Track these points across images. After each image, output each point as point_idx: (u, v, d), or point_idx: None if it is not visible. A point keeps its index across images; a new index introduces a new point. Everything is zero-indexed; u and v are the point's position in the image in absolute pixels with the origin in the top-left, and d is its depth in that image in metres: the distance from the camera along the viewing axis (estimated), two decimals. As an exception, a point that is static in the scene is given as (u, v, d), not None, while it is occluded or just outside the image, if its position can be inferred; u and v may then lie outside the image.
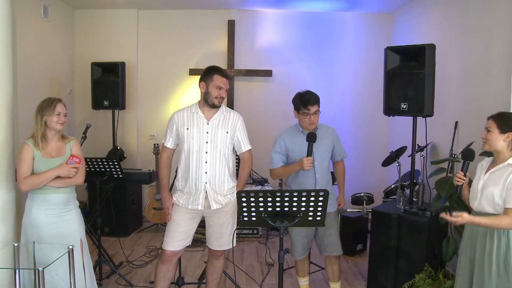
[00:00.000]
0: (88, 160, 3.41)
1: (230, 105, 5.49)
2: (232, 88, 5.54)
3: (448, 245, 3.30)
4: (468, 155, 2.44)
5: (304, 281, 3.24)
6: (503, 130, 2.25)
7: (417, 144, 3.72)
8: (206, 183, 2.78)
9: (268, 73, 5.60)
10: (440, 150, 4.18)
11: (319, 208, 2.22)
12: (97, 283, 3.11)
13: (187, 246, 2.91)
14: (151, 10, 5.59)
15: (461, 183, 2.39)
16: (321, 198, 2.18)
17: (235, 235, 2.81)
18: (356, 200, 4.61)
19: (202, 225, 3.00)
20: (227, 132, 2.82)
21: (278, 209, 2.20)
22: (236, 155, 3.00)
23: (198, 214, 2.86)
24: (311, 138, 2.84)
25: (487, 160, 2.42)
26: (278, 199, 2.17)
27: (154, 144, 5.10)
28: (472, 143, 3.34)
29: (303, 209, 2.21)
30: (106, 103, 4.94)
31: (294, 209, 2.20)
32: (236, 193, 2.23)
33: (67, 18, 5.39)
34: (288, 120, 5.58)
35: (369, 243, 3.94)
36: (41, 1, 4.70)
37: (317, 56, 5.66)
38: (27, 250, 2.57)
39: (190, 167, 2.79)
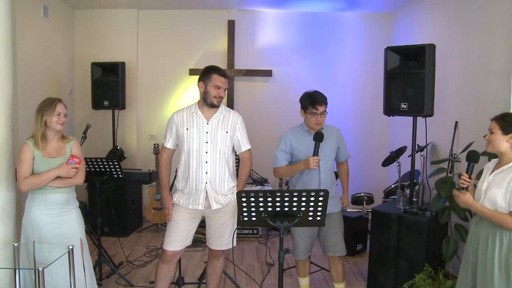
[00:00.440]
0: (88, 160, 3.41)
1: (230, 105, 5.49)
2: (232, 88, 5.55)
3: (448, 245, 3.30)
4: (472, 157, 2.40)
5: (304, 281, 3.24)
6: (506, 131, 2.25)
7: (417, 144, 3.72)
8: (206, 183, 2.78)
9: (268, 73, 5.60)
10: (440, 150, 4.18)
11: (319, 208, 2.22)
12: (97, 283, 3.11)
13: (187, 246, 2.91)
14: (151, 10, 5.59)
15: (466, 186, 2.35)
16: (321, 198, 2.18)
17: (235, 235, 2.81)
18: (356, 200, 4.61)
19: (202, 225, 3.00)
20: (226, 132, 2.82)
21: (278, 209, 2.20)
22: (236, 155, 3.00)
23: (199, 214, 2.86)
24: (319, 137, 2.84)
25: (493, 161, 2.40)
26: (278, 199, 2.16)
27: (154, 144, 5.10)
28: (472, 143, 3.34)
29: (303, 209, 2.21)
30: (106, 103, 4.94)
31: (294, 209, 2.20)
32: (236, 193, 2.23)
33: (67, 18, 5.39)
34: (288, 120, 5.60)
35: (369, 243, 3.94)
36: (41, 1, 4.70)
37: (317, 56, 5.66)
38: (27, 250, 2.57)
39: (190, 167, 2.79)
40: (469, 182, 2.36)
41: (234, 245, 2.86)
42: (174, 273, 2.95)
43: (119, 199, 4.84)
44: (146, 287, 3.60)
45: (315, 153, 2.82)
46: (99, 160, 3.48)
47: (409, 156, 3.77)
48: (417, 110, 3.39)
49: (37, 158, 2.60)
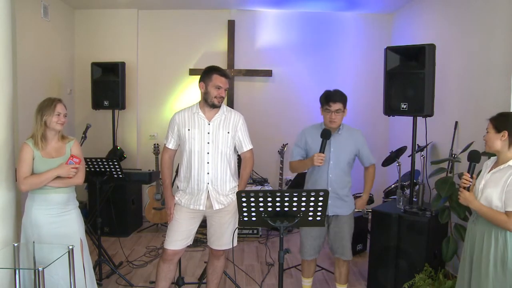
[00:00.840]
0: (88, 160, 3.41)
1: (230, 105, 5.49)
2: (232, 88, 5.55)
3: (448, 245, 3.30)
4: (474, 157, 2.40)
5: (307, 282, 3.23)
6: (498, 130, 2.27)
7: (417, 144, 3.72)
8: (208, 183, 2.78)
9: (268, 73, 5.60)
10: (440, 150, 4.18)
11: (319, 208, 2.22)
12: (97, 283, 3.11)
13: (188, 246, 2.91)
14: (151, 10, 5.59)
15: (468, 185, 2.36)
16: (321, 198, 2.17)
17: (236, 235, 2.81)
18: (356, 200, 4.61)
19: (202, 225, 3.00)
20: (228, 132, 2.82)
21: (278, 209, 2.20)
22: (238, 155, 3.00)
23: (200, 213, 2.86)
24: (325, 135, 2.84)
25: (492, 160, 2.41)
26: (278, 199, 2.16)
27: (154, 144, 5.10)
28: (472, 143, 3.34)
29: (303, 209, 2.21)
30: (106, 103, 4.94)
31: (294, 209, 2.20)
32: (236, 193, 2.23)
33: (67, 18, 5.39)
34: (288, 120, 5.64)
35: (369, 243, 3.94)
36: (41, 1, 4.70)
37: (317, 56, 5.66)
38: (27, 250, 2.57)
39: (192, 168, 2.79)
40: (471, 182, 2.36)
41: (235, 245, 2.86)
42: (174, 272, 2.95)
43: (119, 199, 4.84)
44: (146, 287, 3.60)
45: (321, 150, 2.82)
46: (99, 160, 3.48)
47: (409, 156, 3.77)
48: (417, 110, 3.39)
49: (37, 158, 2.60)
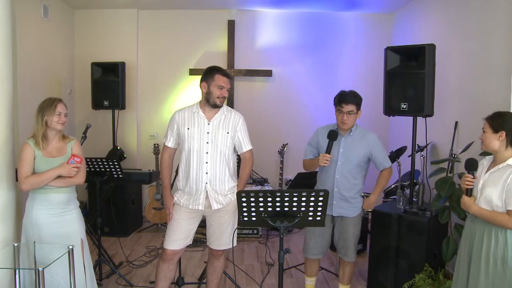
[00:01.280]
0: (88, 160, 3.41)
1: (230, 105, 5.49)
2: (232, 88, 5.53)
3: (448, 245, 3.30)
4: (470, 165, 2.37)
5: (310, 281, 3.24)
6: (495, 130, 2.27)
7: (417, 144, 3.72)
8: (206, 183, 2.78)
9: (268, 73, 5.60)
10: (440, 150, 4.18)
11: (319, 208, 2.22)
12: (97, 283, 3.11)
13: (187, 246, 2.91)
14: (151, 10, 5.59)
15: (471, 187, 2.35)
16: (321, 198, 2.18)
17: (235, 235, 2.81)
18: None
19: (202, 225, 3.00)
20: (228, 133, 2.82)
21: (278, 209, 2.20)
22: (237, 155, 3.00)
23: (199, 213, 2.86)
24: (331, 135, 2.84)
25: (488, 159, 2.41)
26: (278, 199, 2.17)
27: (154, 144, 5.10)
28: (472, 143, 3.34)
29: (303, 209, 2.21)
30: (106, 103, 4.94)
31: (294, 209, 2.20)
32: (236, 193, 2.23)
33: (67, 18, 5.39)
34: (288, 120, 5.65)
35: (369, 243, 3.94)
36: (41, 1, 4.70)
37: (317, 56, 5.66)
38: (28, 250, 2.57)
39: (191, 167, 2.79)
40: (473, 183, 2.35)
41: (235, 245, 2.86)
42: (174, 272, 2.95)
43: (119, 199, 4.84)
44: (146, 287, 3.60)
45: (327, 150, 2.83)
46: (99, 160, 3.48)
47: (409, 156, 3.77)
48: (417, 110, 3.39)
49: (38, 158, 2.60)
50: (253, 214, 2.23)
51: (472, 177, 2.35)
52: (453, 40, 3.97)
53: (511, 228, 2.16)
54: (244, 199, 2.18)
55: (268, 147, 5.55)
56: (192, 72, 5.56)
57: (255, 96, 5.71)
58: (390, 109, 3.55)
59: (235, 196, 2.82)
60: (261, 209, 2.20)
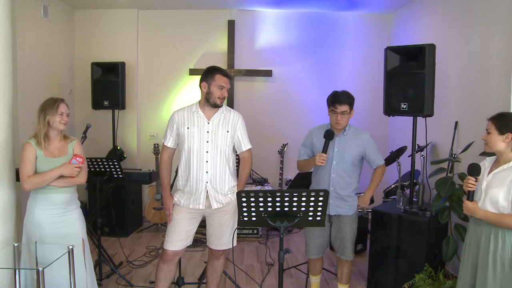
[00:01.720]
0: (88, 160, 3.40)
1: (230, 105, 5.49)
2: (232, 88, 5.54)
3: (448, 245, 3.30)
4: (473, 170, 2.33)
5: (315, 279, 3.27)
6: (501, 131, 2.25)
7: (417, 144, 3.72)
8: (207, 182, 2.78)
9: (268, 73, 5.60)
10: (440, 150, 4.18)
11: (319, 208, 2.22)
12: (97, 283, 3.11)
13: (188, 246, 2.91)
14: (151, 10, 5.59)
15: (473, 190, 2.33)
16: (321, 198, 2.18)
17: (235, 235, 2.81)
18: (356, 200, 4.60)
19: (202, 225, 3.00)
20: (227, 131, 2.82)
21: (278, 209, 2.20)
22: (236, 154, 3.00)
23: (199, 213, 2.86)
24: (328, 135, 2.85)
25: (489, 160, 2.40)
26: (278, 199, 2.17)
27: (154, 144, 5.10)
28: (472, 143, 3.34)
29: (303, 209, 2.21)
30: (106, 103, 4.94)
31: (294, 209, 2.20)
32: (236, 193, 2.23)
33: (67, 18, 5.39)
34: (288, 120, 5.65)
35: (369, 243, 3.94)
36: (41, 1, 4.70)
37: (317, 56, 5.66)
38: (29, 250, 2.57)
39: (191, 167, 2.79)
40: (475, 186, 2.33)
41: (235, 245, 2.86)
42: (174, 273, 2.95)
43: (119, 199, 4.84)
44: (146, 287, 3.60)
45: (324, 150, 2.84)
46: (99, 160, 3.48)
47: (409, 156, 3.77)
48: (417, 110, 3.39)
49: (40, 158, 2.60)
50: (253, 214, 2.23)
51: (475, 180, 2.32)
52: (453, 40, 3.97)
53: None
54: (244, 199, 2.18)
55: (268, 147, 5.55)
56: (192, 72, 5.56)
57: (255, 96, 5.71)
58: (390, 109, 3.55)
59: (235, 196, 2.82)
60: (261, 209, 2.20)
